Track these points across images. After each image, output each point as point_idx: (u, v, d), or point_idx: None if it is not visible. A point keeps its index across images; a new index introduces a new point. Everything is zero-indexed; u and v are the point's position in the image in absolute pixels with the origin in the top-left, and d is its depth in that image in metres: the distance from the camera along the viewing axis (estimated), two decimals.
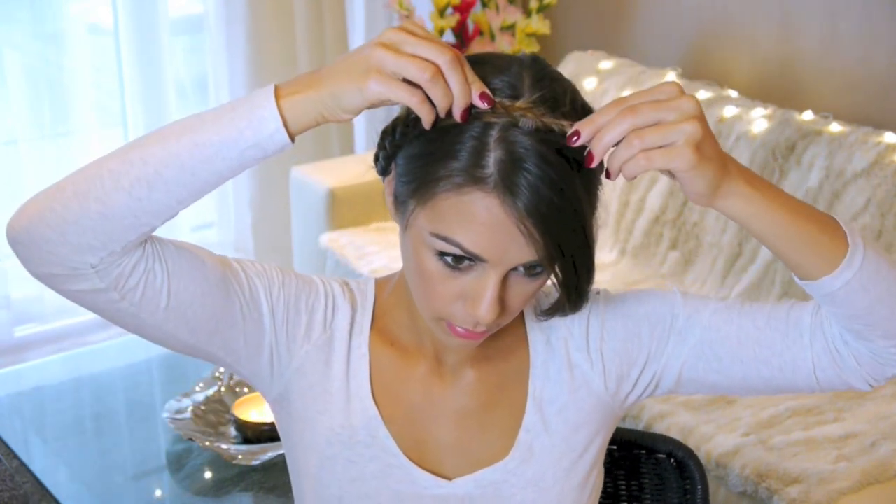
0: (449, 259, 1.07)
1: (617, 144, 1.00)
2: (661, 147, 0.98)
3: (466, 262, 1.07)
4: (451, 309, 1.10)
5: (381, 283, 1.26)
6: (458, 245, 1.05)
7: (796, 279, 1.10)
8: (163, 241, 1.08)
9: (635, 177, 1.01)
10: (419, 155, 1.06)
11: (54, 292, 1.07)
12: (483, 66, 1.05)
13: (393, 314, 1.23)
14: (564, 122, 1.02)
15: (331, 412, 1.22)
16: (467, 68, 1.01)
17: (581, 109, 1.06)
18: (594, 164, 1.01)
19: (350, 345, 1.22)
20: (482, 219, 1.03)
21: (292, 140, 1.00)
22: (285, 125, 0.99)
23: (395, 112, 1.09)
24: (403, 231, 1.11)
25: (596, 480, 1.26)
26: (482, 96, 1.01)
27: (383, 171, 1.13)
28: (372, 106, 1.00)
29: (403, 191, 1.09)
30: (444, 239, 1.05)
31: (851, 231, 1.08)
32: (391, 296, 1.24)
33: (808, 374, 1.17)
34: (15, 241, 1.03)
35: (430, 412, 1.23)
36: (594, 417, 1.24)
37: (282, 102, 0.99)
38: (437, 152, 1.04)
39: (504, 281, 1.08)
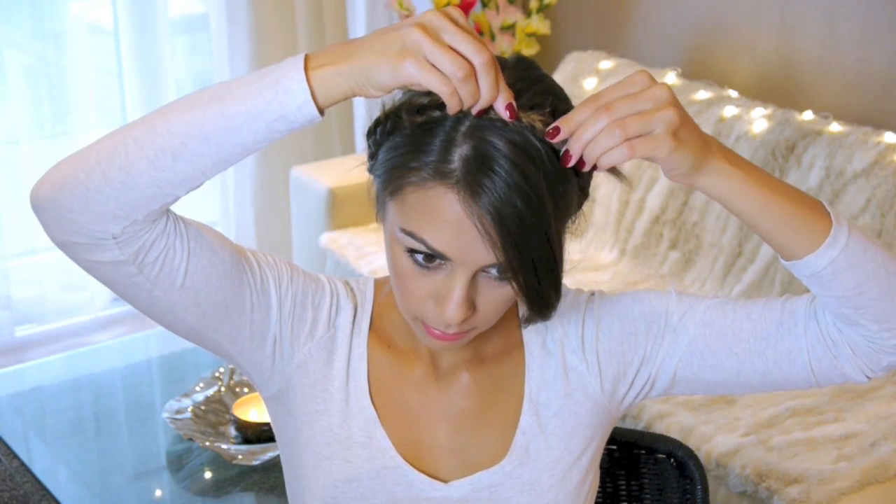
0: (419, 257, 1.06)
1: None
2: (641, 136, 0.99)
3: (437, 261, 1.06)
4: (423, 308, 1.10)
5: (379, 284, 1.26)
6: (423, 242, 1.04)
7: (782, 261, 1.09)
8: (186, 220, 1.07)
9: (610, 168, 1.01)
10: (393, 148, 1.06)
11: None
12: None
13: (389, 316, 1.24)
14: (537, 124, 1.02)
15: (330, 411, 1.22)
16: (499, 72, 0.98)
17: (562, 112, 1.04)
18: (571, 164, 1.01)
19: (351, 344, 1.22)
20: (444, 215, 1.02)
21: (321, 113, 0.97)
22: (314, 97, 0.96)
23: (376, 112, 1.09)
24: (382, 228, 1.12)
25: (592, 483, 1.26)
26: (508, 107, 0.99)
27: (371, 170, 1.13)
28: (402, 87, 0.97)
29: (377, 185, 1.09)
30: (411, 235, 1.05)
31: (836, 212, 1.08)
32: (387, 297, 1.24)
33: (803, 366, 1.16)
34: (38, 208, 1.02)
35: (425, 415, 1.23)
36: (590, 420, 1.24)
37: (311, 74, 0.96)
38: (410, 146, 1.04)
39: (475, 283, 1.07)
